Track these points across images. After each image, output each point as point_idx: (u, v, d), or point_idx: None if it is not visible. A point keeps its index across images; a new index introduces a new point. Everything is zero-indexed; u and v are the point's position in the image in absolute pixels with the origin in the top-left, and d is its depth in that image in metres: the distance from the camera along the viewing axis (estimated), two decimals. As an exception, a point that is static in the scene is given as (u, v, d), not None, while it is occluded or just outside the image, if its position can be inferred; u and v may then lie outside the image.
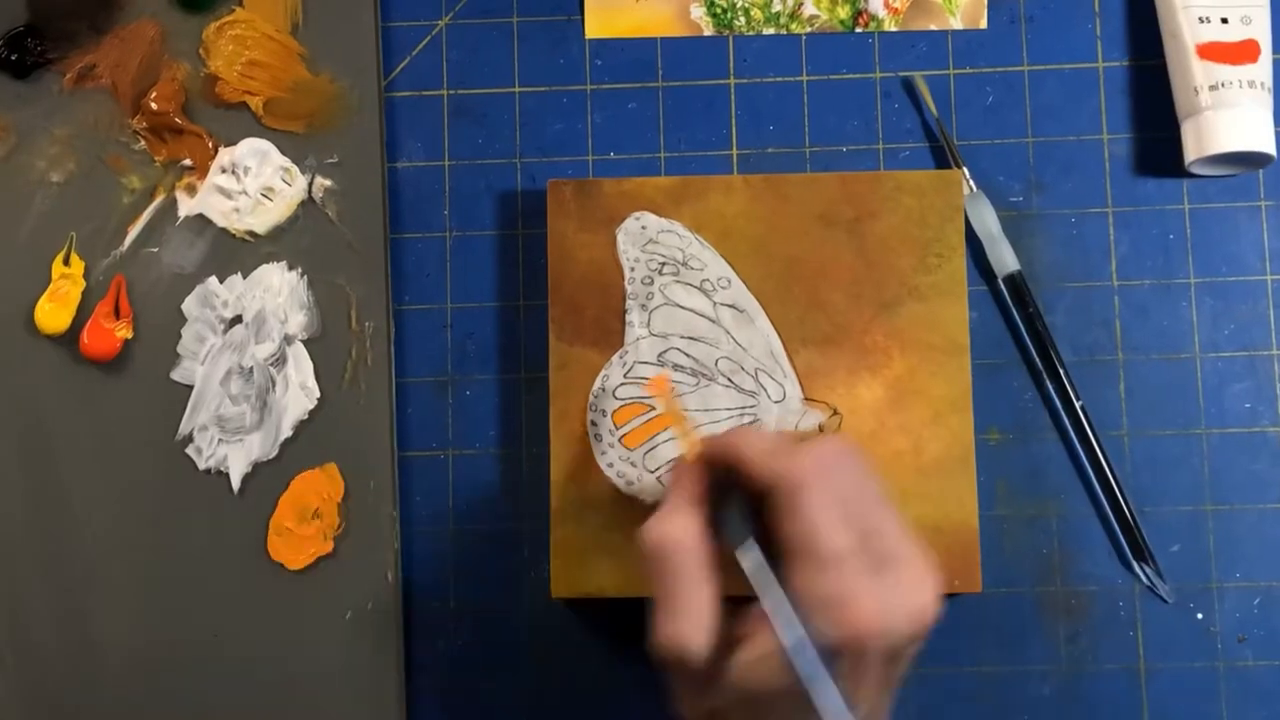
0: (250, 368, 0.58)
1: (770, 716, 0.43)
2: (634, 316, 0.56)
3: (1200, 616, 0.56)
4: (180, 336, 0.59)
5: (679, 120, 0.60)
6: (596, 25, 0.61)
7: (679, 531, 0.43)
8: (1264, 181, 0.58)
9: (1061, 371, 0.57)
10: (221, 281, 0.59)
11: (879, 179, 0.56)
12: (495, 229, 0.60)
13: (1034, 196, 0.59)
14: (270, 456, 0.58)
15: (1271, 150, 0.56)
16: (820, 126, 0.59)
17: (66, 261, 0.59)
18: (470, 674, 0.58)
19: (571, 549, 0.55)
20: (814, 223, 0.56)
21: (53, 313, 0.58)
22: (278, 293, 0.58)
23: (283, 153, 0.59)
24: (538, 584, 0.57)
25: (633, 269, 0.56)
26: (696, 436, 0.46)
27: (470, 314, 0.59)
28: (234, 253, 0.59)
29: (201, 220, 0.59)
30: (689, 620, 0.42)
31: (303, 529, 0.57)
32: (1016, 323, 0.58)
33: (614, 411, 0.56)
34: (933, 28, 0.60)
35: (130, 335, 0.59)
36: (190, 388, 0.58)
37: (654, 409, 0.55)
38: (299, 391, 0.58)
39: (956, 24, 0.60)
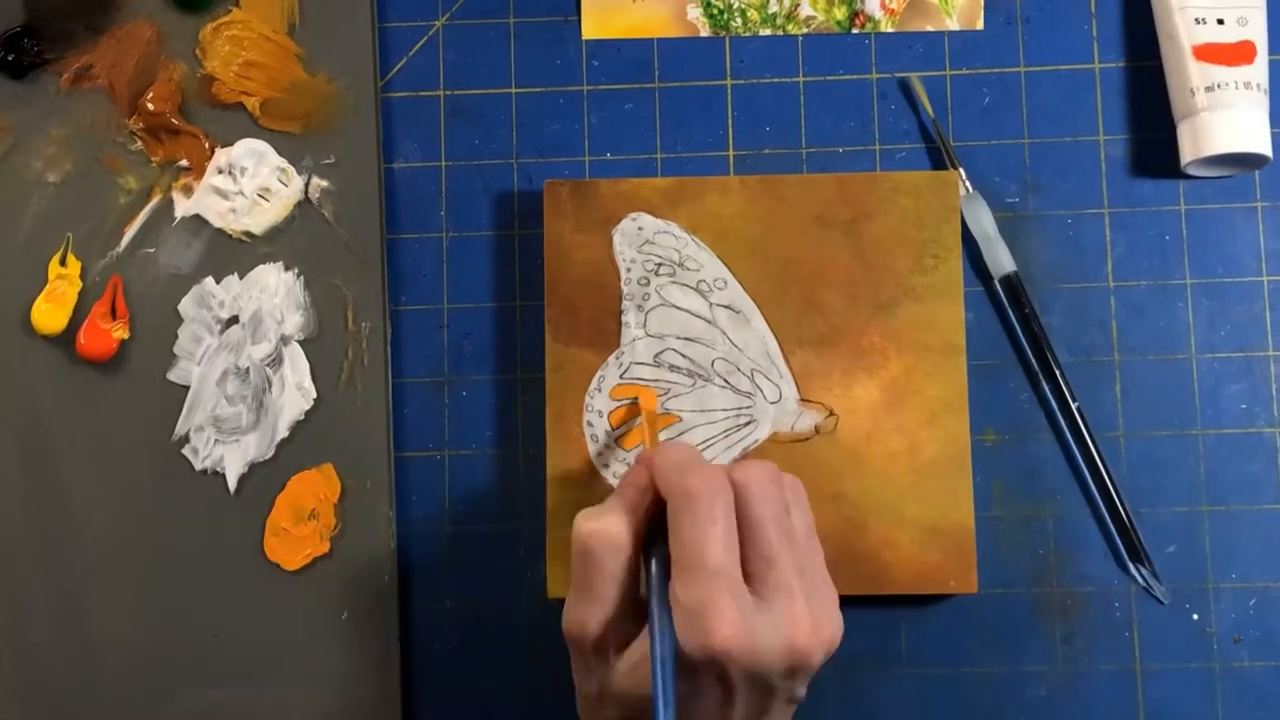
0: (247, 368, 0.58)
1: None
2: (630, 317, 0.56)
3: (1196, 617, 0.56)
4: (177, 337, 0.59)
5: (675, 121, 0.60)
6: (593, 26, 0.61)
7: (607, 530, 0.45)
8: (1260, 183, 0.58)
9: (1057, 372, 0.57)
10: (218, 282, 0.59)
11: (875, 180, 0.56)
12: (492, 229, 0.60)
13: (1030, 197, 0.59)
14: (267, 457, 0.58)
15: (1268, 151, 0.56)
16: (817, 127, 0.59)
17: (63, 262, 0.59)
18: (467, 674, 0.58)
19: (568, 549, 0.55)
20: (810, 224, 0.56)
21: (49, 313, 0.58)
22: (274, 293, 0.58)
23: (279, 153, 0.59)
24: (534, 584, 0.58)
25: (629, 270, 0.56)
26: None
27: (467, 314, 0.59)
28: (230, 253, 0.59)
29: (198, 221, 0.59)
30: (592, 609, 0.44)
31: (299, 529, 0.57)
32: (1013, 323, 0.58)
33: (610, 412, 0.56)
34: (929, 29, 0.60)
35: (127, 336, 0.59)
36: (187, 388, 0.58)
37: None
38: (295, 392, 0.58)
39: (953, 25, 0.60)
